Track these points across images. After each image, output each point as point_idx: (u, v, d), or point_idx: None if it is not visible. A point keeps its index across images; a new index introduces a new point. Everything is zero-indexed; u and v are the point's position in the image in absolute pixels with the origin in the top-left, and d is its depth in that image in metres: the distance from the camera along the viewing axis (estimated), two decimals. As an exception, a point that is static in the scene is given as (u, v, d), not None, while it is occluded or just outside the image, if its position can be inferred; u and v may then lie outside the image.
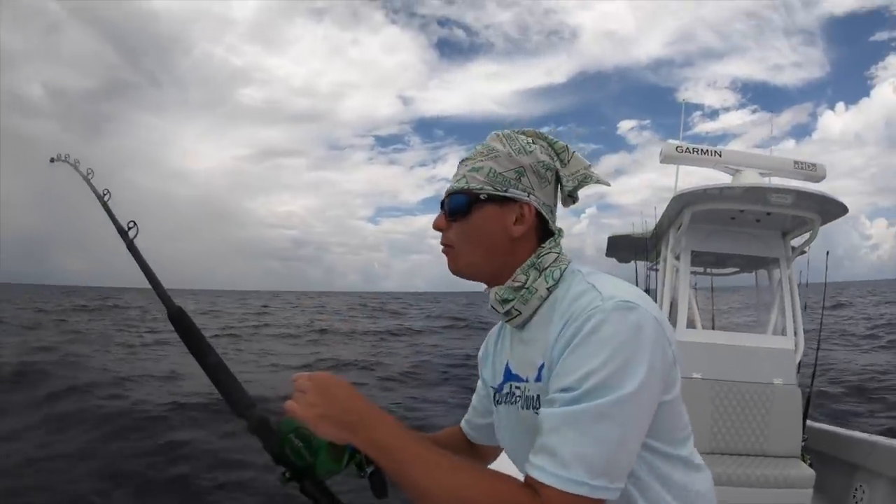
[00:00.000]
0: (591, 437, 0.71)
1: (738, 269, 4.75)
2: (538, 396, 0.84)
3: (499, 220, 0.89)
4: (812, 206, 3.30)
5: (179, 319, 1.05)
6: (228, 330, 19.80)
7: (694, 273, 4.92)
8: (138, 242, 1.20)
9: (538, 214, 0.91)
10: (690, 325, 3.55)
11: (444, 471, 0.74)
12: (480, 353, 1.13)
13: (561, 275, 0.89)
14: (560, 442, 0.72)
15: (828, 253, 3.66)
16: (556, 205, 0.95)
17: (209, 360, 0.98)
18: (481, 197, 0.89)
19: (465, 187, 0.90)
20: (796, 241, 3.69)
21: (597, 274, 0.86)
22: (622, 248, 5.36)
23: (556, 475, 0.71)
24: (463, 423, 1.21)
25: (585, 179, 0.93)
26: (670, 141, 3.84)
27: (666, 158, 3.84)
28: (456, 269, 0.94)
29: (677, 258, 3.70)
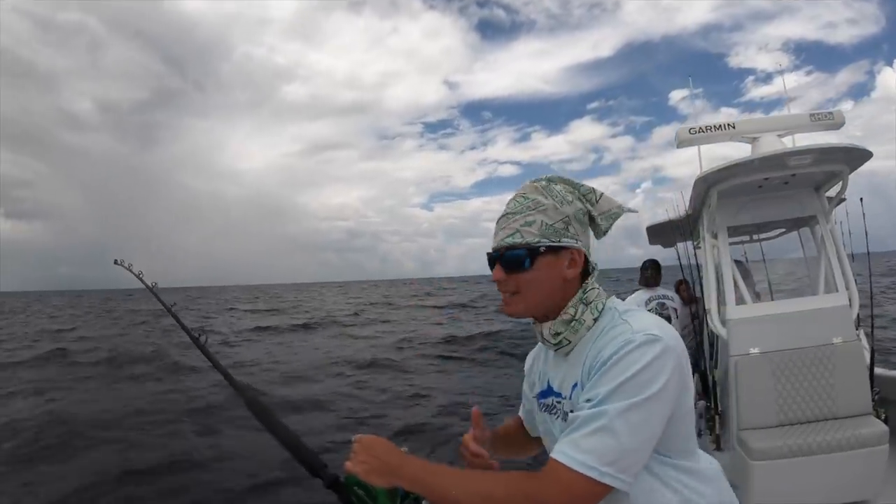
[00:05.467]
0: (606, 433, 0.86)
1: (783, 230, 4.63)
2: (571, 411, 1.00)
3: (556, 267, 1.02)
4: (836, 158, 3.23)
5: (254, 404, 1.28)
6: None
7: (741, 243, 4.83)
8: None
9: (584, 257, 1.04)
10: (740, 301, 3.48)
11: (465, 481, 0.94)
12: (526, 365, 1.29)
13: (603, 308, 1.03)
14: (580, 434, 0.88)
15: (861, 199, 3.57)
16: (590, 242, 1.08)
17: (283, 433, 1.21)
18: (540, 249, 1.00)
19: (522, 241, 1.01)
20: (832, 192, 3.59)
21: (630, 311, 1.01)
22: (661, 234, 5.33)
23: (573, 457, 0.87)
24: (522, 416, 1.37)
25: (617, 215, 1.07)
26: (682, 125, 3.86)
27: (682, 143, 3.84)
28: (518, 313, 1.05)
29: (714, 237, 3.69)
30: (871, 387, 3.04)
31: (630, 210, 1.09)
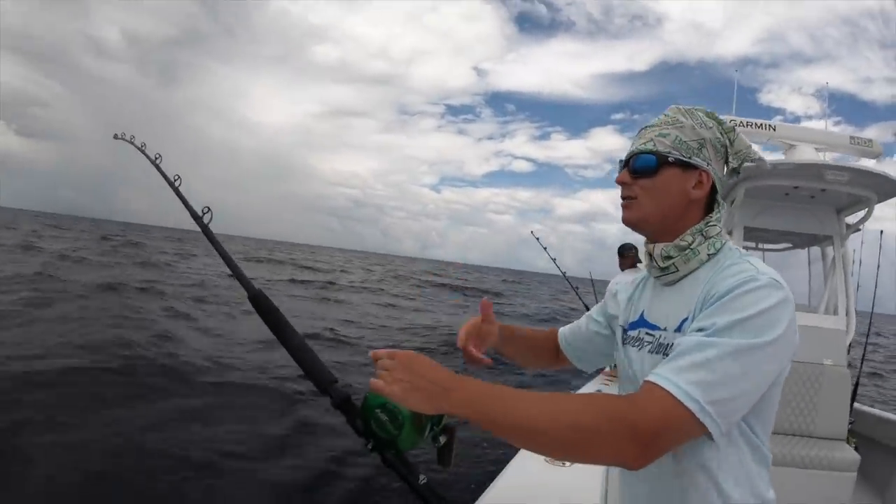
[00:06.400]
0: (716, 367, 0.76)
1: (790, 245, 4.62)
2: (672, 344, 0.89)
3: (681, 183, 0.98)
4: (869, 184, 3.20)
5: (260, 302, 1.11)
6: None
7: (745, 248, 4.80)
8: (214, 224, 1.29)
9: (711, 184, 0.99)
10: None
11: (539, 401, 0.78)
12: (613, 289, 1.21)
13: (721, 247, 0.97)
14: (685, 361, 0.77)
15: (882, 232, 3.59)
16: (723, 178, 1.03)
17: (291, 340, 1.04)
18: (669, 159, 0.98)
19: (654, 149, 0.98)
20: (851, 219, 3.58)
21: (754, 257, 0.94)
22: None
23: (676, 384, 0.75)
24: (560, 333, 1.30)
25: (747, 157, 1.02)
26: (723, 116, 3.74)
27: None
28: (632, 220, 1.02)
29: (730, 234, 3.64)
30: (850, 415, 3.07)
31: (761, 160, 1.03)
